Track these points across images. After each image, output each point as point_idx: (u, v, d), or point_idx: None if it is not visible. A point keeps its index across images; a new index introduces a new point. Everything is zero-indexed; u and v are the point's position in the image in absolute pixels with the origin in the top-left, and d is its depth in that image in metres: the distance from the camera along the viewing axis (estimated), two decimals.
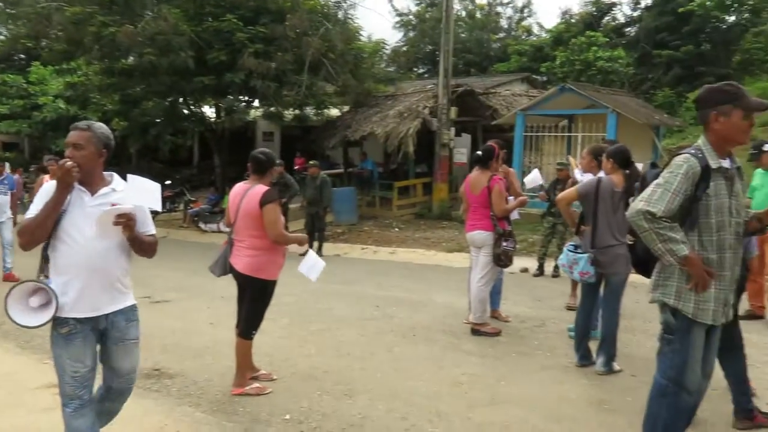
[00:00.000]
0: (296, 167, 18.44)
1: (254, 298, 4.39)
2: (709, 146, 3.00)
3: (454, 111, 15.30)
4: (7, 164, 9.28)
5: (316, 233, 11.57)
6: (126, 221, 2.81)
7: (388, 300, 7.52)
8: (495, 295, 6.52)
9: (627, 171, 4.82)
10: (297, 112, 17.17)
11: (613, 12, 31.05)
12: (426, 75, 31.13)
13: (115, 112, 17.82)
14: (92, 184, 2.93)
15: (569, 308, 6.80)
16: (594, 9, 30.57)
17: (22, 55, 26.96)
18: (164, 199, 9.02)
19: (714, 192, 2.94)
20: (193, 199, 16.95)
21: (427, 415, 4.08)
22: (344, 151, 18.58)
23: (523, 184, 7.58)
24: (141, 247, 2.99)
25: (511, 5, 36.93)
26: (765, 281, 6.25)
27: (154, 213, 3.21)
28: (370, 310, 7.06)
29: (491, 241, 5.86)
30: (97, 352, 3.01)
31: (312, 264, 4.62)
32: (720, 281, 2.99)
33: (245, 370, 4.54)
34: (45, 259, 2.92)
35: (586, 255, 4.83)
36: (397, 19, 35.97)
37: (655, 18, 27.16)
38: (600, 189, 4.81)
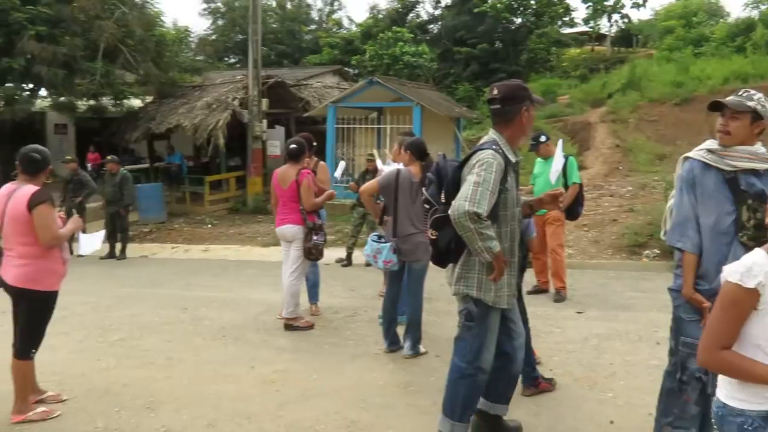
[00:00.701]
0: (89, 163, 16.88)
1: (31, 313, 3.88)
2: (505, 141, 3.18)
3: (265, 103, 15.04)
4: None
5: (118, 234, 10.68)
6: None
7: (198, 301, 7.17)
8: (312, 288, 6.50)
9: (423, 162, 5.03)
10: (92, 102, 15.69)
11: (416, 9, 32.67)
12: (238, 65, 30.29)
13: None
14: None
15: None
16: (399, 5, 31.92)
17: None
18: None
19: (510, 185, 3.15)
20: None
21: (236, 418, 3.94)
22: (149, 145, 17.37)
23: (334, 177, 7.67)
24: None
25: None
26: (547, 258, 6.93)
27: None
28: (178, 313, 6.67)
29: (302, 235, 5.83)
30: None
31: (87, 242, 4.58)
32: (511, 268, 3.24)
33: (27, 393, 4.02)
34: None
35: (388, 244, 4.98)
36: (204, 6, 34.56)
37: (454, 17, 29.10)
38: (399, 180, 4.97)
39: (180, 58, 17.46)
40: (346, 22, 36.39)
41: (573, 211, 5.90)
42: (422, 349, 5.08)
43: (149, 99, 17.24)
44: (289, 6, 35.77)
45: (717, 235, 2.79)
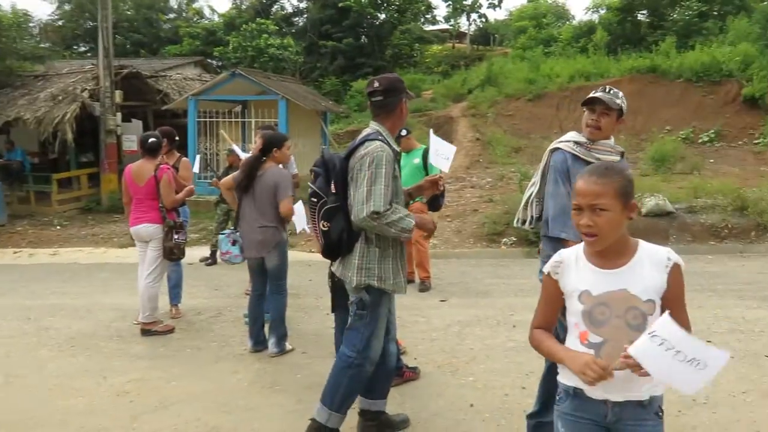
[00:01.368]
0: None
1: None
2: (387, 131, 3.26)
3: (119, 94, 14.11)
4: None
5: None
6: None
7: (44, 310, 6.56)
8: (174, 288, 6.19)
9: (265, 157, 4.93)
10: None
11: (281, 1, 32.21)
12: (89, 54, 28.17)
13: None
14: None
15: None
16: None
17: None
18: None
19: (397, 174, 3.27)
20: None
21: None
22: None
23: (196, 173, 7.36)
24: None
25: None
26: (412, 249, 7.06)
27: None
28: (20, 324, 6.07)
29: (160, 234, 5.55)
30: None
31: None
32: (402, 255, 3.33)
33: None
34: None
35: (223, 235, 5.11)
36: None
37: (319, 10, 28.98)
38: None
39: (19, 45, 15.85)
40: (207, 12, 35.13)
41: (435, 202, 6.03)
42: (288, 346, 4.99)
43: None
44: None
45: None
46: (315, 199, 3.27)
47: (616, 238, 1.90)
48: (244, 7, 31.14)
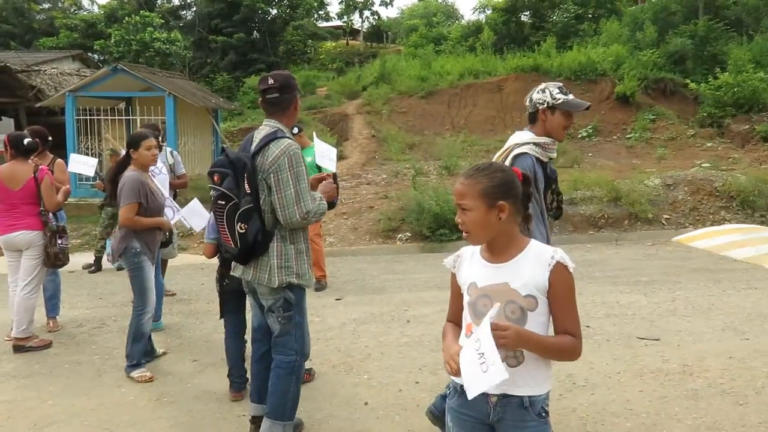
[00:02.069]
0: None
1: None
2: (286, 129, 3.27)
3: None
4: None
5: None
6: None
7: None
8: (51, 299, 5.77)
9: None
10: None
11: None
12: None
13: None
14: None
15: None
16: None
17: None
18: None
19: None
20: None
21: None
22: None
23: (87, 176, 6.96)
24: None
25: None
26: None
27: None
28: None
29: (40, 241, 5.15)
30: None
31: None
32: (309, 251, 3.35)
33: None
34: None
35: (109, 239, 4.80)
36: None
37: (208, 4, 28.06)
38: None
39: None
40: (86, 3, 33.08)
41: (330, 201, 6.04)
42: (159, 350, 4.91)
43: None
44: None
45: (539, 220, 2.98)
46: (223, 202, 3.09)
47: (492, 236, 1.94)
48: None
